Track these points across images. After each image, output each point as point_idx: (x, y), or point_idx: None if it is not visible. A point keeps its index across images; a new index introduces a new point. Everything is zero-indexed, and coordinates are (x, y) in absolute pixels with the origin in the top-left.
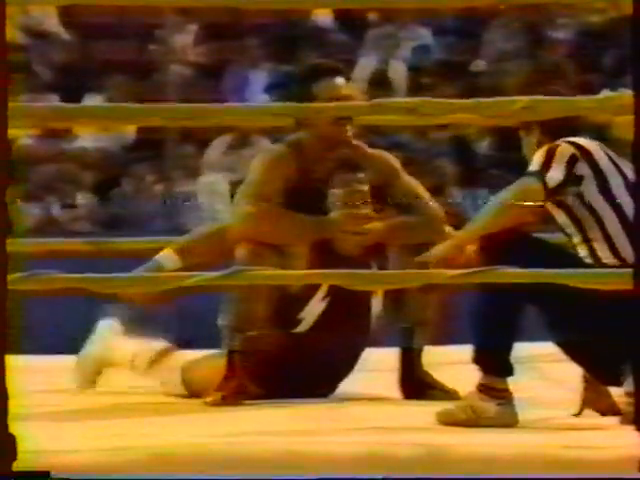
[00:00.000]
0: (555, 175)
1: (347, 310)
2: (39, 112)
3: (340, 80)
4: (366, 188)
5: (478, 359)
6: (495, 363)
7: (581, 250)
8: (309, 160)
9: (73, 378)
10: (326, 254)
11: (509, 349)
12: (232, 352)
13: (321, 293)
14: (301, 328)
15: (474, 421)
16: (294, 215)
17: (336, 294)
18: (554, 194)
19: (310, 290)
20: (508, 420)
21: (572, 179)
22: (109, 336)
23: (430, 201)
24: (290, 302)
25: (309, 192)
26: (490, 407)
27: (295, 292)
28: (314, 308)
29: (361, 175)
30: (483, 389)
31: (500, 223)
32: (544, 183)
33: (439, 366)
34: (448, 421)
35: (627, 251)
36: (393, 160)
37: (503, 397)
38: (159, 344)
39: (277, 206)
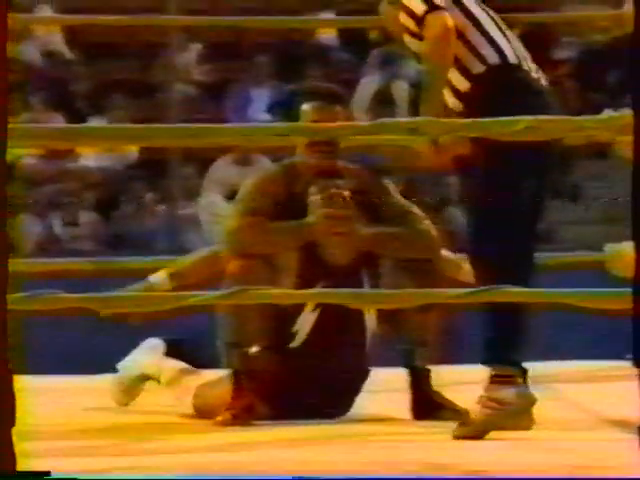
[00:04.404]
0: None
1: (339, 322)
2: (41, 133)
3: (317, 104)
4: (346, 194)
5: (486, 354)
6: (501, 351)
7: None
8: (300, 183)
9: (112, 392)
10: (315, 264)
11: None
12: (237, 371)
13: (310, 305)
14: (296, 342)
15: (500, 412)
16: (275, 223)
17: (325, 305)
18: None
19: (298, 303)
20: (529, 402)
21: None
22: (154, 353)
23: (423, 218)
24: (282, 316)
25: (296, 209)
26: (509, 393)
27: (284, 306)
28: (305, 320)
29: (340, 182)
30: (496, 380)
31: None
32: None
33: (450, 386)
34: (474, 433)
35: (489, 52)
36: (384, 180)
37: (516, 382)
38: (184, 365)
39: (259, 219)
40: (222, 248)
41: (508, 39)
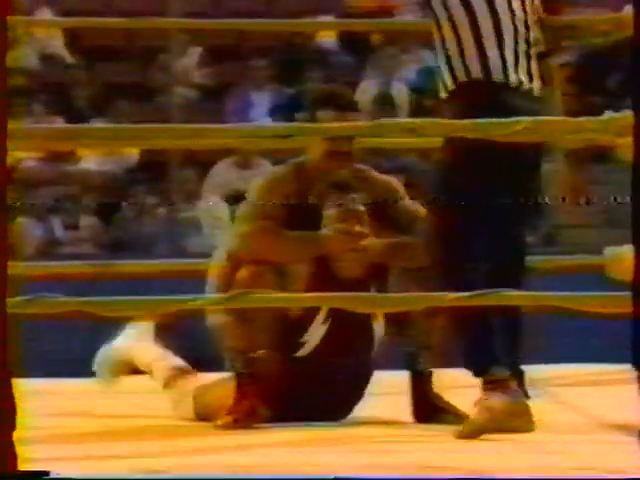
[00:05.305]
0: None
1: (349, 333)
2: (42, 133)
3: (336, 113)
4: (360, 208)
5: (469, 362)
6: (484, 358)
7: (443, 67)
8: (310, 183)
9: (97, 370)
10: (325, 277)
11: (491, 339)
12: (241, 375)
13: (321, 316)
14: (303, 352)
15: (492, 420)
16: (289, 232)
17: (336, 317)
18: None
19: (310, 314)
20: (519, 409)
21: None
22: (134, 338)
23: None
24: (291, 326)
25: (307, 215)
26: (502, 400)
27: (295, 316)
28: (315, 331)
29: (354, 195)
30: (488, 387)
31: None
32: None
33: (451, 390)
34: (471, 433)
35: (475, 65)
36: (395, 183)
37: (508, 387)
38: (178, 362)
39: (273, 224)
40: (232, 250)
41: (502, 49)
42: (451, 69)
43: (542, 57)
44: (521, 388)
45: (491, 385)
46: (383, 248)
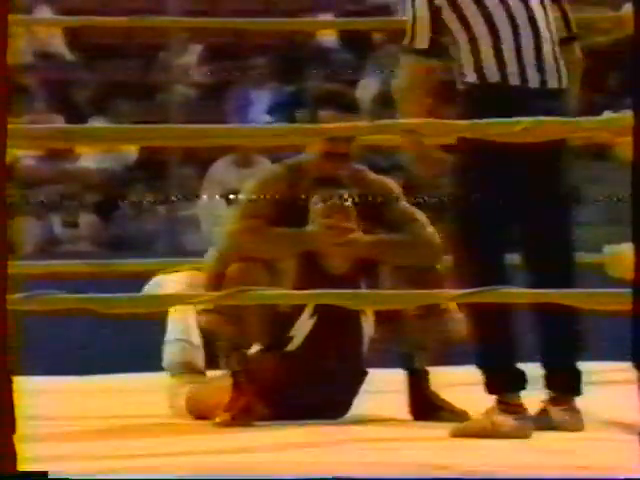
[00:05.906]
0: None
1: (335, 328)
2: (42, 133)
3: (336, 113)
4: (348, 203)
5: (487, 379)
6: (503, 379)
7: (457, 71)
8: (304, 184)
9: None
10: (314, 272)
11: (513, 362)
12: (237, 372)
13: (308, 311)
14: (291, 347)
15: (489, 433)
16: (275, 229)
17: (323, 312)
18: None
19: (297, 308)
20: (522, 434)
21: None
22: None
23: (427, 226)
24: (279, 320)
25: (299, 214)
26: (507, 421)
27: (283, 311)
28: (302, 326)
29: (343, 191)
30: (501, 406)
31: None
32: (421, 53)
33: (448, 387)
34: (464, 433)
35: (491, 70)
36: (392, 184)
37: (518, 412)
38: (196, 356)
39: (261, 223)
40: (221, 249)
41: (501, 52)
42: (460, 71)
43: (565, 43)
44: (575, 387)
45: (504, 406)
46: (371, 243)
